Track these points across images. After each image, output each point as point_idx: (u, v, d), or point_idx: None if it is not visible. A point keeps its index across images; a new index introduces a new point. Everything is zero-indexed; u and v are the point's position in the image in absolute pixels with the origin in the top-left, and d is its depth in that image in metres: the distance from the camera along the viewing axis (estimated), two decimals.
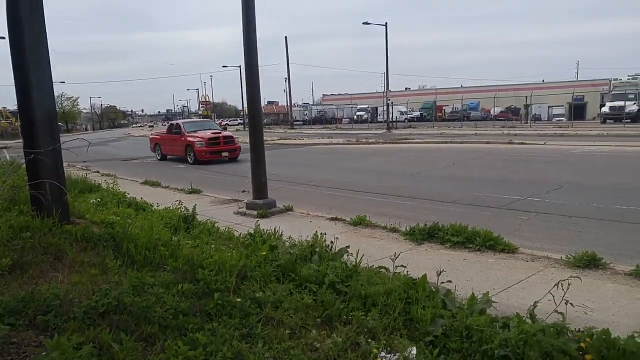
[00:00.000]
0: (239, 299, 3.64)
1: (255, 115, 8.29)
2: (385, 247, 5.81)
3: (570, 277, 3.53)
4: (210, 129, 20.16)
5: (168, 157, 20.87)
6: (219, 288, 3.78)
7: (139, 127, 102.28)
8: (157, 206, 7.39)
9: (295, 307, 3.61)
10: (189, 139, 18.92)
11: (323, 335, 3.35)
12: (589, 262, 4.93)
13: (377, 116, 62.51)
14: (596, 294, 4.19)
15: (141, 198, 8.15)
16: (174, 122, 22.70)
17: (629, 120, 34.88)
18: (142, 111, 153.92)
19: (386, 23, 39.00)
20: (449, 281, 4.02)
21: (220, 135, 18.92)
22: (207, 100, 74.87)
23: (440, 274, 3.95)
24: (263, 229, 5.49)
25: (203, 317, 3.46)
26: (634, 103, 37.55)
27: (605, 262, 4.91)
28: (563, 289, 3.28)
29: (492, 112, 48.66)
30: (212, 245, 4.82)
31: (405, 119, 57.00)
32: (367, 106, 66.69)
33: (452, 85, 79.66)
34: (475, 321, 3.21)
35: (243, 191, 10.01)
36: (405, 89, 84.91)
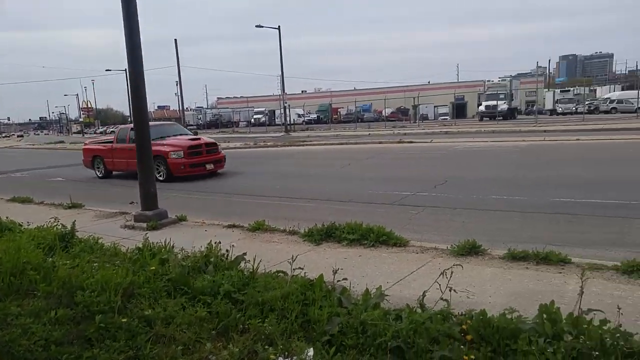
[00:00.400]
0: (124, 319, 3.36)
1: (141, 120, 7.73)
2: (284, 250, 5.78)
3: (454, 265, 3.77)
4: (181, 134, 15.88)
5: (114, 173, 16.19)
6: (101, 310, 3.46)
7: (4, 137, 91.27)
8: (28, 225, 6.60)
9: (189, 321, 3.42)
10: (157, 148, 13.59)
11: (219, 347, 3.22)
12: (471, 250, 5.33)
13: (275, 119, 62.71)
14: (476, 279, 4.54)
15: (7, 217, 7.21)
16: (126, 126, 16.94)
17: (501, 118, 39.19)
18: (9, 119, 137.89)
19: (279, 26, 39.27)
20: (345, 279, 4.10)
21: (202, 142, 14.89)
22: (89, 106, 69.16)
23: (336, 272, 4.01)
24: (153, 242, 5.14)
25: (82, 344, 3.14)
26: (504, 102, 42.28)
27: (484, 248, 5.35)
28: (447, 277, 3.49)
29: (383, 113, 51.34)
30: (95, 264, 4.40)
31: (303, 121, 57.92)
32: (264, 109, 66.56)
33: (346, 87, 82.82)
34: (369, 316, 3.29)
35: (131, 203, 9.35)
36: (302, 91, 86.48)
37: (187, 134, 16.48)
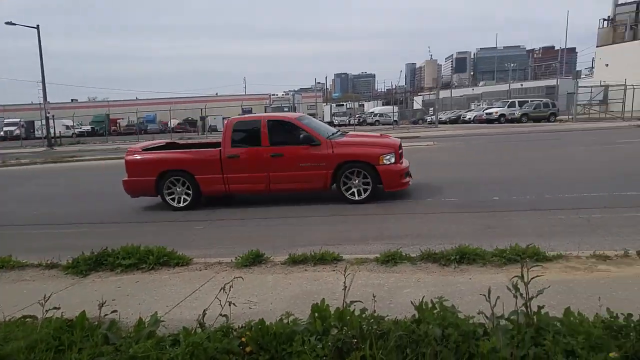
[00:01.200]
0: None
1: None
2: (38, 289, 4.79)
3: (235, 278, 3.70)
4: (338, 132, 10.61)
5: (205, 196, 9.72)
6: None
7: None
8: None
9: None
10: (353, 150, 9.20)
11: None
12: (255, 260, 5.35)
13: (34, 131, 53.86)
14: (259, 288, 4.57)
15: None
16: (255, 117, 10.43)
17: None
18: None
19: (38, 25, 34.03)
20: (115, 311, 3.60)
21: (398, 141, 9.85)
22: None
23: (103, 305, 3.49)
24: None
25: None
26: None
27: (267, 256, 5.43)
28: (227, 292, 3.38)
29: (169, 125, 49.42)
30: None
31: (73, 133, 51.31)
32: (19, 119, 55.98)
33: (126, 97, 77.25)
34: (141, 348, 2.95)
35: None
36: (72, 100, 76.87)
37: (332, 129, 10.74)
